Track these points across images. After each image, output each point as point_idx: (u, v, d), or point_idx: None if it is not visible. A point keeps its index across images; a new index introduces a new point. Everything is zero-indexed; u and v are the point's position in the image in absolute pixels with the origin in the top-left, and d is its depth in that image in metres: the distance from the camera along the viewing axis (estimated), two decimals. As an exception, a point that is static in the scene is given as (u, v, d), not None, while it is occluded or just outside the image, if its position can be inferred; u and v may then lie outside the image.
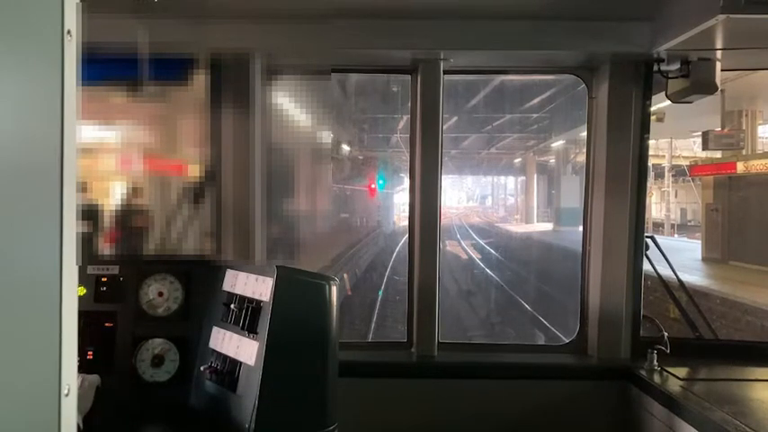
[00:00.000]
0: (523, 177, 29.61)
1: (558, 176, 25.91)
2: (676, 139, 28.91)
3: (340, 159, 15.60)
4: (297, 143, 3.60)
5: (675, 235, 31.82)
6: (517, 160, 28.94)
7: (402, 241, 16.68)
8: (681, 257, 17.44)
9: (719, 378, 3.26)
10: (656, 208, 34.27)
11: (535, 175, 28.66)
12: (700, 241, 21.58)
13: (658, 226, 32.87)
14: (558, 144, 23.76)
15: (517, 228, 28.99)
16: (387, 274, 16.98)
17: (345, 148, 15.73)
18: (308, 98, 3.56)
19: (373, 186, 20.20)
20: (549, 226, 25.84)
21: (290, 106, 3.64)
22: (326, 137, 3.64)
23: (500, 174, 31.93)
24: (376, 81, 14.46)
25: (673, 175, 32.54)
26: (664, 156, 31.73)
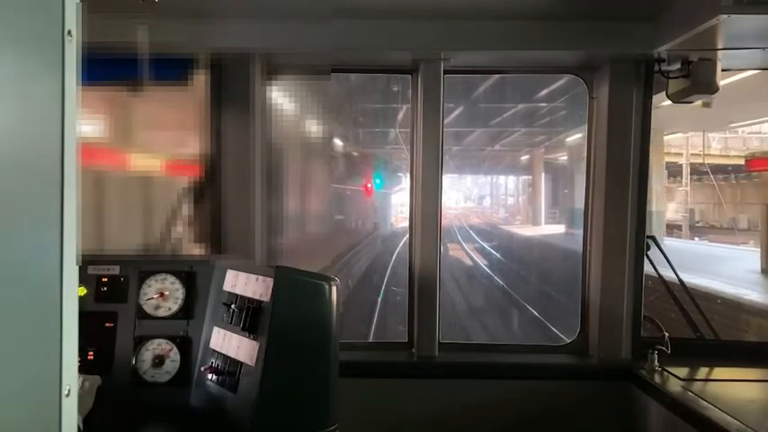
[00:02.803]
0: (529, 176, 28.93)
1: (571, 175, 24.96)
2: (710, 132, 26.86)
3: (335, 157, 15.34)
4: (296, 143, 3.60)
5: (696, 238, 29.70)
6: (524, 157, 28.12)
7: (402, 242, 16.47)
8: (733, 268, 15.44)
9: (720, 378, 3.26)
10: (669, 209, 32.78)
11: (543, 174, 27.81)
12: (729, 246, 19.44)
13: (673, 228, 31.19)
14: (571, 139, 22.92)
15: (523, 230, 27.92)
16: (384, 281, 16.72)
17: (338, 143, 15.35)
18: (307, 98, 3.56)
19: (369, 186, 19.72)
20: (558, 228, 24.80)
21: (290, 106, 3.64)
22: (325, 137, 3.65)
23: (504, 173, 31.16)
24: (376, 77, 14.25)
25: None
26: (681, 153, 30.72)
